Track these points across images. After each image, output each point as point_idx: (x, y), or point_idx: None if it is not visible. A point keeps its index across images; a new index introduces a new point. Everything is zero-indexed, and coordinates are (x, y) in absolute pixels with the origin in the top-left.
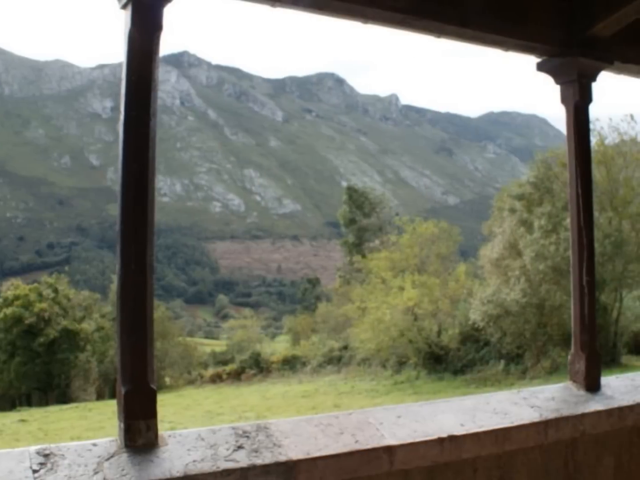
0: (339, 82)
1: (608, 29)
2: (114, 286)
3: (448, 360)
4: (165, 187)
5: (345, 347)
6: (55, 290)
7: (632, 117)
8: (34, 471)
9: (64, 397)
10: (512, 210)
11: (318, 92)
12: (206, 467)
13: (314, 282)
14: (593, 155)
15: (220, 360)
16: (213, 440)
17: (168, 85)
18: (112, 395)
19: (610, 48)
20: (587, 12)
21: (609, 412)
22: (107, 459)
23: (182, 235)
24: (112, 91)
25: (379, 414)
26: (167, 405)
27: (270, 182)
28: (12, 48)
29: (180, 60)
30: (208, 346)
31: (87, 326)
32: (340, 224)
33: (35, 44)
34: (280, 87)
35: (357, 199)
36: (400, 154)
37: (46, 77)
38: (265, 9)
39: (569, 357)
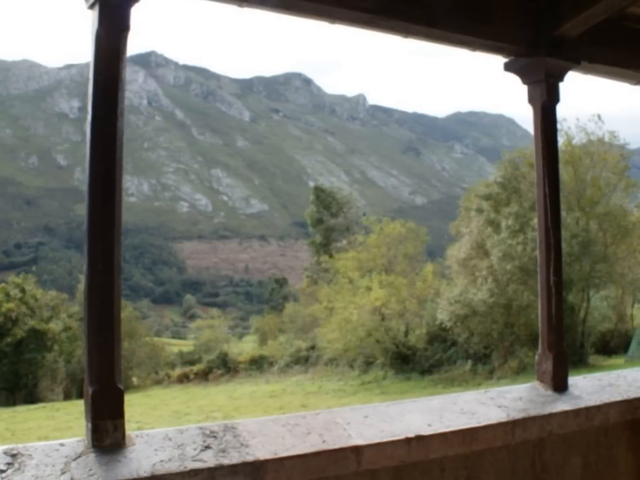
0: (306, 82)
1: (575, 29)
2: (81, 286)
3: (415, 360)
4: (133, 187)
5: (313, 347)
6: (23, 290)
7: (599, 117)
8: (1, 471)
9: (32, 397)
10: (480, 210)
11: (285, 92)
12: (173, 467)
13: (281, 282)
14: (560, 155)
15: (188, 360)
16: (180, 440)
17: (135, 85)
18: (80, 395)
19: (578, 48)
20: (554, 12)
21: (576, 412)
22: (75, 459)
23: (149, 235)
24: (79, 91)
25: (347, 414)
26: (135, 405)
27: (237, 182)
28: None
29: (147, 60)
30: (175, 346)
31: (55, 326)
32: (308, 224)
33: (3, 44)
34: (247, 87)
35: (325, 199)
36: (367, 154)
37: (13, 77)
38: (233, 9)
39: (536, 357)
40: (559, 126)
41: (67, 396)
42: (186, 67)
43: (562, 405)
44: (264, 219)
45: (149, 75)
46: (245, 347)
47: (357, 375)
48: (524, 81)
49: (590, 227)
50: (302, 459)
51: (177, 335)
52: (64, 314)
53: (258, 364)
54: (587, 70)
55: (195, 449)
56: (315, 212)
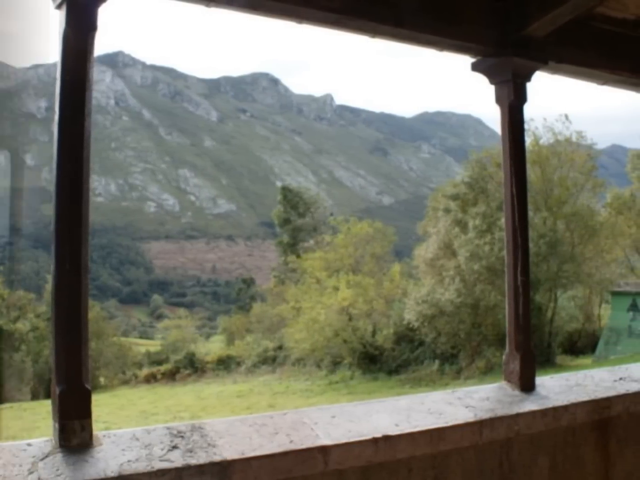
0: (274, 82)
1: (542, 29)
2: (49, 286)
3: (383, 360)
4: (100, 187)
5: (280, 347)
6: None
7: (566, 117)
8: None
9: None
10: (447, 211)
11: (252, 92)
12: (141, 467)
13: (248, 282)
14: (528, 155)
15: (155, 360)
16: (148, 440)
17: (103, 85)
18: (47, 396)
19: (545, 48)
20: (521, 12)
21: (544, 412)
22: (42, 459)
23: (116, 235)
24: (46, 91)
25: (314, 414)
26: (102, 405)
27: (204, 182)
28: None
29: (114, 60)
30: (143, 346)
31: (22, 326)
32: (275, 224)
33: None
34: (214, 87)
35: (292, 199)
36: (334, 154)
37: None
38: (200, 9)
39: (504, 357)
40: (526, 126)
41: (35, 396)
42: (153, 67)
43: (530, 405)
44: (231, 219)
45: (116, 75)
46: (212, 347)
47: (324, 375)
48: (492, 81)
49: (557, 227)
50: (269, 459)
51: (144, 335)
52: (31, 313)
53: (225, 364)
54: (554, 70)
55: (162, 449)
56: (283, 212)
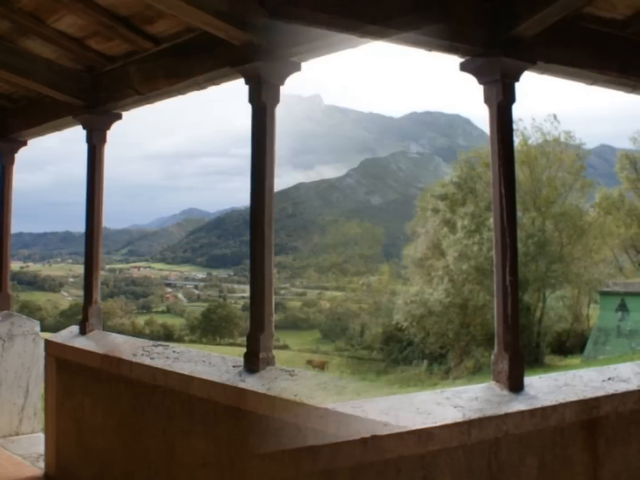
0: None
1: (531, 29)
2: None
3: (371, 360)
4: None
5: None
6: None
7: (555, 117)
8: None
9: None
10: (436, 211)
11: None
12: None
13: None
14: (516, 155)
15: None
16: None
17: None
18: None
19: (534, 48)
20: (510, 12)
21: (532, 412)
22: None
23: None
24: None
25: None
26: None
27: None
28: None
29: None
30: None
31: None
32: None
33: None
34: None
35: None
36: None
37: None
38: None
39: (492, 357)
40: (515, 126)
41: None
42: None
43: (518, 405)
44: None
45: None
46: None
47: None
48: (480, 81)
49: (546, 227)
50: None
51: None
52: None
53: None
54: (543, 70)
55: None
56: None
